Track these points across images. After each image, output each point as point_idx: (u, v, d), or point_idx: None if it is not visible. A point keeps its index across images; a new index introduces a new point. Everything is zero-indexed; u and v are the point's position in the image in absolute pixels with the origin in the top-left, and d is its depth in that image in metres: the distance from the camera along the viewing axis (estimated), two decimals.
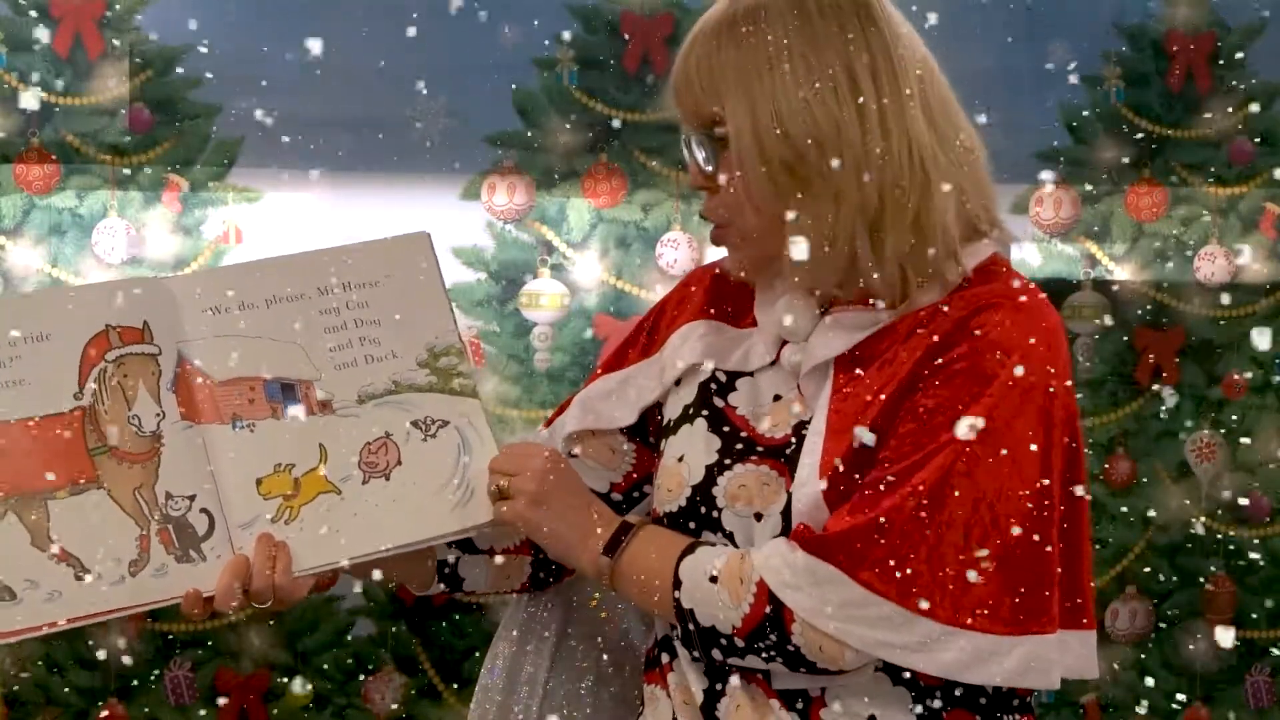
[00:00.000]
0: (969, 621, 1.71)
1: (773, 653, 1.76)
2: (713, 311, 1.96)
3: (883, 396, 1.78)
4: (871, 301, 1.82)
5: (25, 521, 1.81)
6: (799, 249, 1.78)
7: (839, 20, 1.78)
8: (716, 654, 1.80)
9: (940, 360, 1.76)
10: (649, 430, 2.00)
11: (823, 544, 1.74)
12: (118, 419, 1.84)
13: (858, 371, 1.81)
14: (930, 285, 1.81)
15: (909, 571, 1.71)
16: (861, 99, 1.76)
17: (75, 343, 1.86)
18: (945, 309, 1.79)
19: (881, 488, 1.73)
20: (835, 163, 1.76)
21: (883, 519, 1.72)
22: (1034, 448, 1.73)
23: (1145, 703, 4.69)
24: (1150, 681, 4.69)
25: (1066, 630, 1.78)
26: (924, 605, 1.70)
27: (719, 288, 1.97)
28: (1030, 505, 1.73)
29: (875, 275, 1.78)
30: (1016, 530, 1.73)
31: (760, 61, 1.78)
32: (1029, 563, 1.73)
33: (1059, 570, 1.77)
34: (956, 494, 1.71)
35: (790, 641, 1.75)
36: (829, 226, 1.77)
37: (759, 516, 1.83)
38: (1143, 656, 4.69)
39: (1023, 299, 1.78)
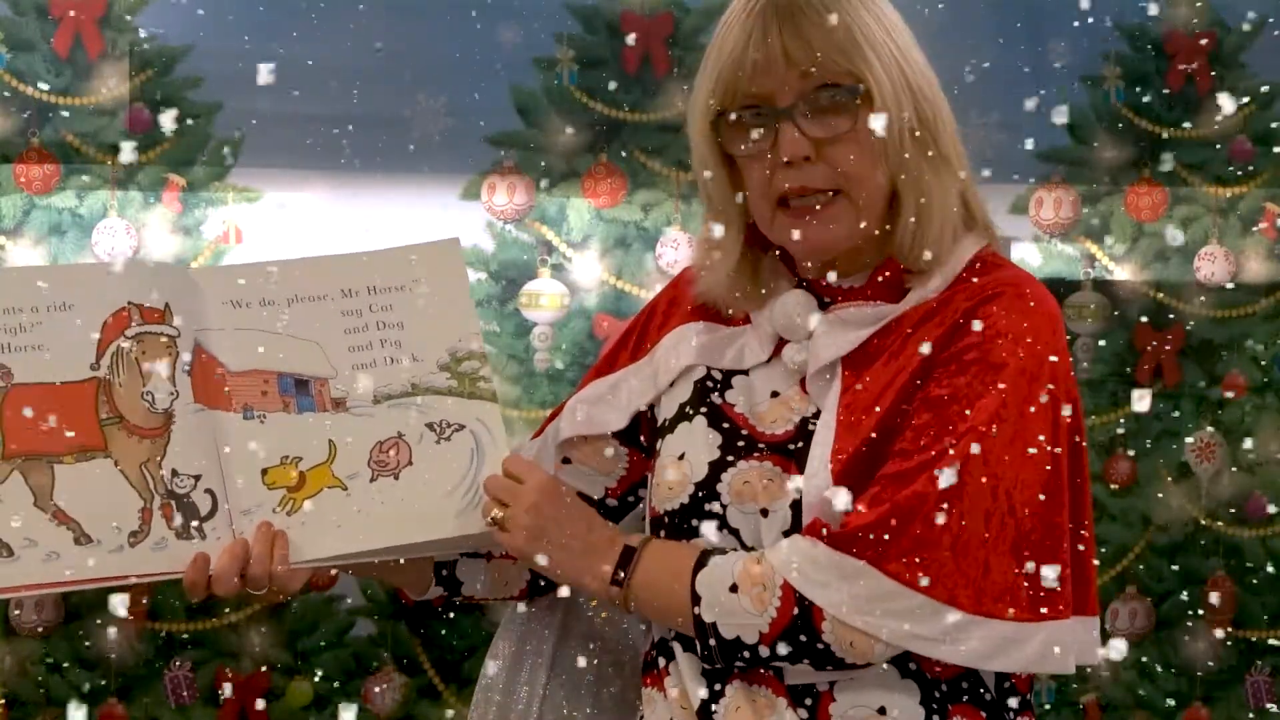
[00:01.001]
0: (992, 609, 1.71)
1: (801, 654, 1.75)
2: (704, 311, 1.96)
3: (893, 390, 1.78)
4: (871, 295, 1.84)
5: (30, 482, 1.83)
6: (920, 216, 1.81)
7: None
8: (739, 664, 1.79)
9: (950, 351, 1.77)
10: (640, 434, 2.00)
11: (846, 538, 1.73)
12: (131, 393, 1.86)
13: (866, 367, 1.81)
14: (928, 277, 1.82)
15: (935, 561, 1.71)
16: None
17: (97, 315, 1.88)
18: (949, 301, 1.81)
19: (901, 479, 1.73)
20: (943, 126, 1.82)
21: (906, 510, 1.72)
22: (1045, 434, 1.75)
23: (1145, 703, 4.68)
24: (1150, 681, 4.69)
25: (1075, 615, 1.79)
26: (950, 595, 1.71)
27: None
28: (1044, 491, 1.74)
29: (926, 252, 1.81)
30: (1033, 516, 1.74)
31: (885, 20, 1.82)
32: (1045, 548, 1.74)
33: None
34: (977, 482, 1.72)
35: (820, 640, 1.74)
36: (938, 192, 1.81)
37: (764, 513, 1.82)
38: (1143, 657, 4.69)
39: (1023, 287, 1.81)
